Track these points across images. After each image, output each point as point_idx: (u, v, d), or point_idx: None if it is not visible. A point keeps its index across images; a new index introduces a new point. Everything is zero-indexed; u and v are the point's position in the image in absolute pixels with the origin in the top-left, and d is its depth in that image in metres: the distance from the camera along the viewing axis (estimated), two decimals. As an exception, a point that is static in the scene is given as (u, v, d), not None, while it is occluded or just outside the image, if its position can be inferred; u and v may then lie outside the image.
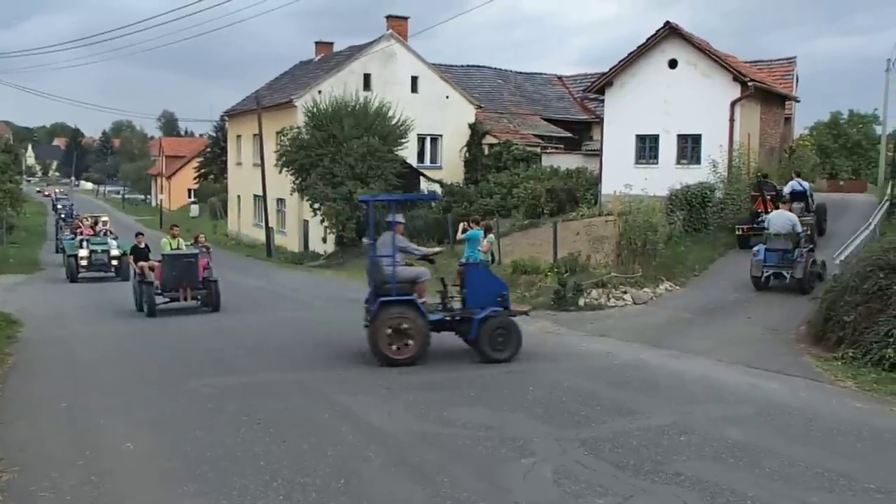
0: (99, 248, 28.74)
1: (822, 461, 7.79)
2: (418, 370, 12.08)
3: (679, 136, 27.93)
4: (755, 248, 19.30)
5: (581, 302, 17.84)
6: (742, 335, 14.56)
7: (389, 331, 12.06)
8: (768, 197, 22.70)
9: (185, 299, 19.23)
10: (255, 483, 7.26)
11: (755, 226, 22.19)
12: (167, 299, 19.18)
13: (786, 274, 18.38)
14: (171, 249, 19.81)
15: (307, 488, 7.15)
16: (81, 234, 29.83)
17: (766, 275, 18.64)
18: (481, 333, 12.39)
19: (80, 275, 28.12)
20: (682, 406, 9.95)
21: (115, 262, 28.51)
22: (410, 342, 12.13)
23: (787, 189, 23.19)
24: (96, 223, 31.79)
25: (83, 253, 28.23)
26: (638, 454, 8.00)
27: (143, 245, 20.28)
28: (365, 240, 13.67)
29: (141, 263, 19.48)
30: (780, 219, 18.93)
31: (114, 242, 29.31)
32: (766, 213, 21.40)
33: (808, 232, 19.92)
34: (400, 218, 12.86)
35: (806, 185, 24.00)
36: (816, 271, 18.51)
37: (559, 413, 9.60)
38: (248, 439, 8.60)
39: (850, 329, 12.47)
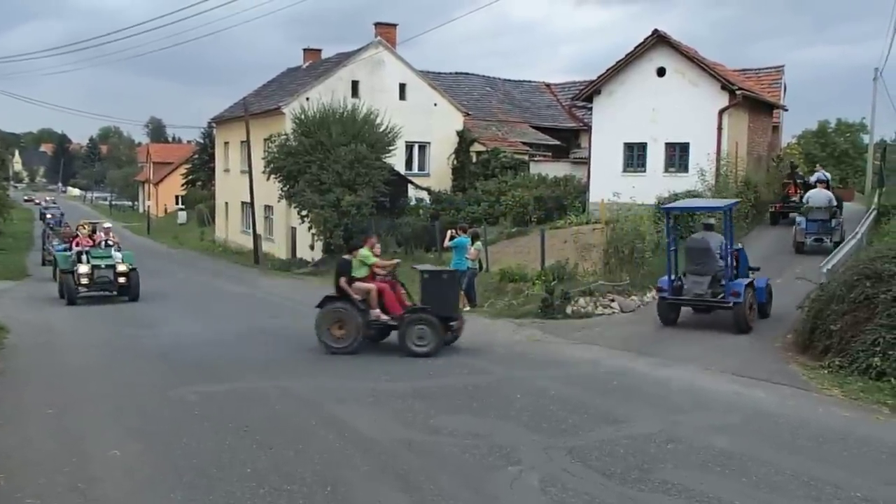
0: (102, 262, 23.16)
1: (808, 469, 7.83)
2: (406, 378, 12.08)
3: (667, 144, 28.04)
4: (797, 220, 23.37)
5: (568, 310, 17.83)
6: (729, 344, 14.58)
7: (749, 309, 15.30)
8: (798, 182, 27.67)
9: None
10: (242, 490, 7.25)
11: (785, 205, 27.24)
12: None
13: (826, 240, 22.45)
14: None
15: (293, 495, 7.14)
16: (78, 244, 24.13)
17: (808, 241, 22.64)
18: (767, 297, 16.20)
19: (79, 295, 22.83)
20: (668, 414, 9.98)
21: (121, 280, 23.17)
22: (753, 311, 15.59)
23: (813, 178, 27.15)
24: (94, 230, 25.78)
25: (83, 269, 22.73)
26: (625, 462, 8.02)
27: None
28: (688, 240, 16.96)
29: (359, 285, 14.45)
30: (820, 195, 23.44)
31: (118, 255, 23.84)
32: (796, 195, 26.93)
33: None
34: (712, 221, 16.62)
35: (827, 174, 28.48)
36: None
37: (546, 421, 9.61)
38: (234, 446, 8.58)
39: (836, 338, 12.48)
